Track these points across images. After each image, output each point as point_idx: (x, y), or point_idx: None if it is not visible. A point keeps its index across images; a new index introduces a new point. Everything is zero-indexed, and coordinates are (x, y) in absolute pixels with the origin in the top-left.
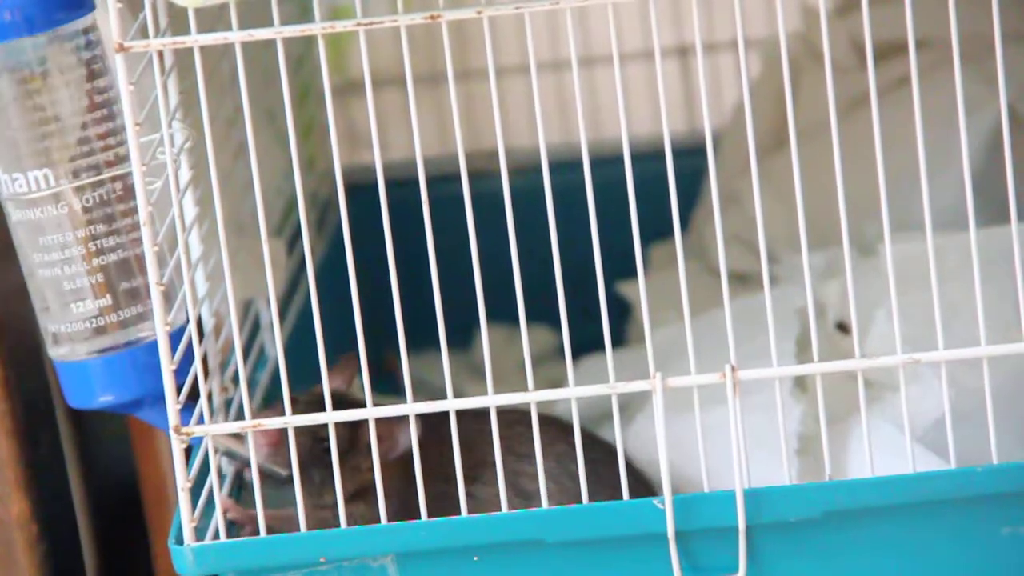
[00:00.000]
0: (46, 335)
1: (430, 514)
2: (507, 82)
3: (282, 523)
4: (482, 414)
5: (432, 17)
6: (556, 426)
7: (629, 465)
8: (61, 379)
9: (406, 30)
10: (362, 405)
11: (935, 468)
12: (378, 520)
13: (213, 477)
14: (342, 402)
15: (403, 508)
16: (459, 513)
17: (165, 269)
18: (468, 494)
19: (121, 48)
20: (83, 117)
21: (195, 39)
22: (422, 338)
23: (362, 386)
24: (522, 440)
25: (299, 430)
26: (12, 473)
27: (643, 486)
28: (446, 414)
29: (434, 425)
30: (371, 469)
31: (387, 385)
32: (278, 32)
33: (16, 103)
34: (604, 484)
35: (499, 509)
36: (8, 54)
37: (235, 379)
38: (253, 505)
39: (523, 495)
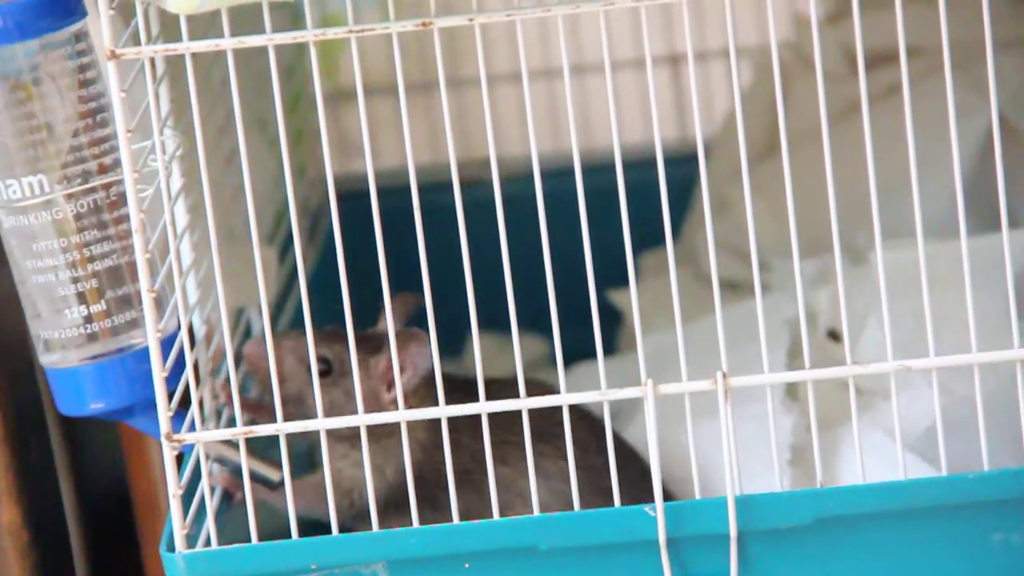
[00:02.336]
0: (37, 342)
1: (457, 488)
2: (499, 90)
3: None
4: (514, 391)
5: (424, 24)
6: (582, 416)
7: (639, 467)
8: (52, 386)
9: (398, 37)
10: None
11: (925, 474)
12: (398, 456)
13: (204, 484)
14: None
15: (428, 462)
16: (484, 494)
17: (156, 276)
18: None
19: (113, 55)
20: (75, 124)
21: (187, 46)
22: None
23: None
24: (549, 422)
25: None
26: (3, 480)
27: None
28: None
29: (470, 393)
30: (393, 401)
31: None
32: (269, 39)
33: (7, 110)
34: (622, 481)
35: (520, 493)
36: None
37: (226, 386)
38: (244, 513)
39: (544, 474)
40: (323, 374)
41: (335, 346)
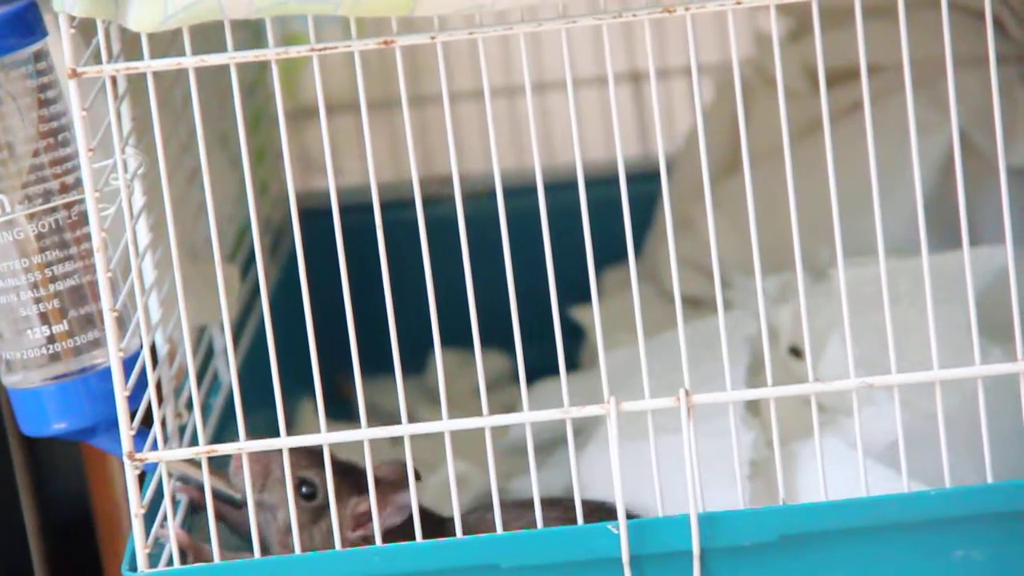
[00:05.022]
0: None
1: None
2: (461, 107)
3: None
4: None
5: (386, 42)
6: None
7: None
8: (14, 406)
9: (360, 55)
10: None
11: (888, 481)
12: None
13: (167, 503)
14: (347, 469)
15: None
16: None
17: (119, 295)
18: None
19: (74, 74)
20: (36, 143)
21: (148, 64)
22: (376, 363)
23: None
24: None
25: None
26: None
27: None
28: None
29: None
30: (366, 539)
31: (339, 412)
32: (231, 58)
33: None
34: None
35: None
36: None
37: (189, 405)
38: (207, 531)
39: None
40: (308, 498)
41: (323, 473)
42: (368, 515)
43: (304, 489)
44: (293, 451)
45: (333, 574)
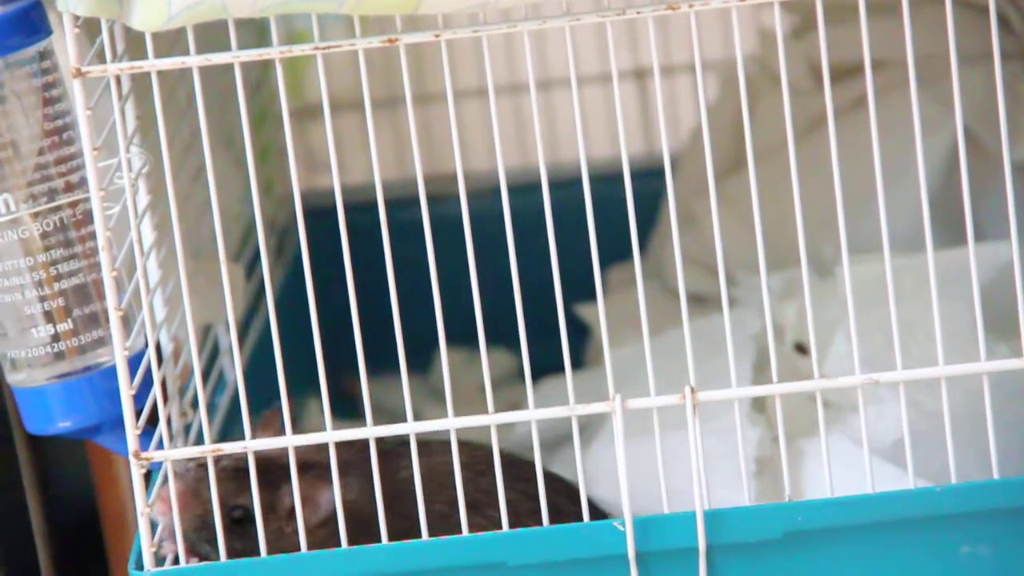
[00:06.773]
0: (4, 361)
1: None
2: (465, 105)
3: None
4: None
5: (390, 41)
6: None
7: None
8: (19, 405)
9: (364, 54)
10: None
11: (894, 479)
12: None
13: (173, 502)
14: (267, 467)
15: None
16: None
17: (124, 294)
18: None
19: (78, 73)
20: (40, 142)
21: (152, 63)
22: (381, 361)
23: (321, 413)
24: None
25: (207, 506)
26: None
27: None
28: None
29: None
30: (294, 532)
31: (344, 411)
32: (236, 56)
33: None
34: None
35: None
36: None
37: (194, 404)
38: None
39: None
40: (240, 521)
41: (247, 492)
42: (294, 510)
43: (235, 514)
44: (220, 480)
45: (335, 573)
